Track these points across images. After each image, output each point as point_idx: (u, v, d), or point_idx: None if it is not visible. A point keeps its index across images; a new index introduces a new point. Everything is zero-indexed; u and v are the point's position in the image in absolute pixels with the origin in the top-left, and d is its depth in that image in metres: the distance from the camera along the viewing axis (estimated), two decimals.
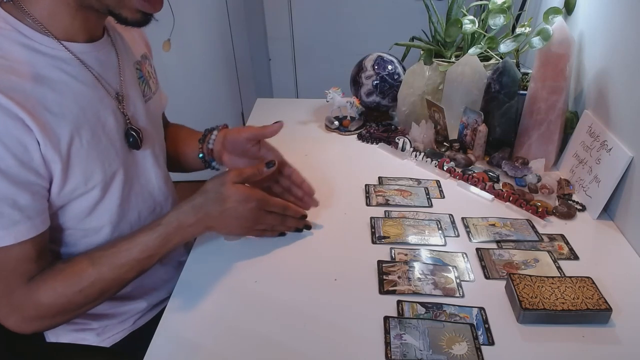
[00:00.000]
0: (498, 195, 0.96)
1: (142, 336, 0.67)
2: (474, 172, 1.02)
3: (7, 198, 0.61)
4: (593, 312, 0.66)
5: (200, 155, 0.92)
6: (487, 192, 0.97)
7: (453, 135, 1.13)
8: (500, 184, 1.00)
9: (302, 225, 0.86)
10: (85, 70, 0.70)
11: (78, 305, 0.70)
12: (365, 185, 1.00)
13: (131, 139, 0.76)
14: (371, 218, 0.89)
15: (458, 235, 0.85)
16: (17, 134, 0.60)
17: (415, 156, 1.10)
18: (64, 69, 0.67)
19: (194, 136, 0.96)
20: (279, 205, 0.80)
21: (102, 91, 0.72)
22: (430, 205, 0.94)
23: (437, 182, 1.02)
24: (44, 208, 0.67)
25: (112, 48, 0.76)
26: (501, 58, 1.10)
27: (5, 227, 0.62)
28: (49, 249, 0.73)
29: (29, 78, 0.63)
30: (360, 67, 1.24)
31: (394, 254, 0.80)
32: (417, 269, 0.76)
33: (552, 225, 0.88)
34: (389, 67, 1.22)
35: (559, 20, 0.97)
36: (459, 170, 1.03)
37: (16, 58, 0.63)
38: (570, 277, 0.72)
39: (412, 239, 0.84)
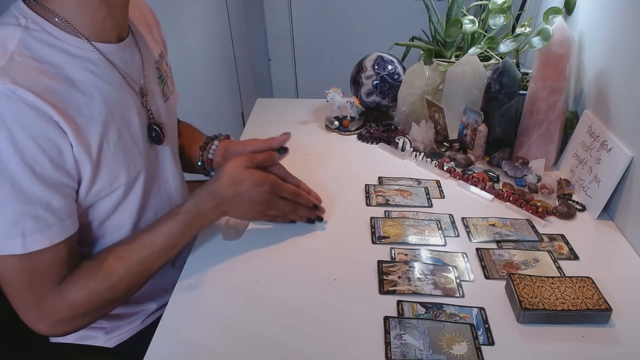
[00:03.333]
0: (498, 195, 0.96)
1: (149, 335, 0.67)
2: (474, 172, 1.02)
3: (42, 201, 0.62)
4: (593, 312, 0.66)
5: (200, 163, 0.93)
6: (487, 192, 0.97)
7: (453, 135, 1.13)
8: (500, 184, 1.00)
9: (314, 216, 0.86)
10: (113, 70, 0.70)
11: (110, 301, 0.71)
12: (365, 185, 1.00)
13: (154, 134, 0.77)
14: (371, 218, 0.89)
15: (458, 235, 0.85)
16: (53, 136, 0.61)
17: (415, 156, 1.10)
18: (92, 70, 0.67)
19: (197, 140, 0.96)
20: (290, 191, 0.81)
21: (128, 90, 0.73)
22: (430, 205, 0.94)
23: (437, 182, 1.02)
24: (73, 210, 0.67)
25: (136, 48, 0.76)
26: (501, 58, 1.10)
27: (40, 231, 0.62)
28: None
29: (59, 80, 0.63)
30: (360, 67, 1.24)
31: (394, 254, 0.80)
32: (417, 269, 0.76)
33: (552, 225, 0.88)
34: (389, 67, 1.22)
35: (559, 20, 0.97)
36: (459, 170, 1.03)
37: (46, 60, 0.63)
38: (570, 277, 0.72)
39: (412, 239, 0.84)
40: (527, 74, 1.12)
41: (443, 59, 1.15)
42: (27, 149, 0.59)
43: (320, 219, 0.87)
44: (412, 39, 1.23)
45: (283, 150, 0.81)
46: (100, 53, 0.68)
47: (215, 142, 0.93)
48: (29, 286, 0.65)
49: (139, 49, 0.77)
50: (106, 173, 0.69)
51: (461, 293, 0.72)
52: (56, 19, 0.64)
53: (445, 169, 1.04)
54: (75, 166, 0.64)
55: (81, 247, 0.75)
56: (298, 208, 0.83)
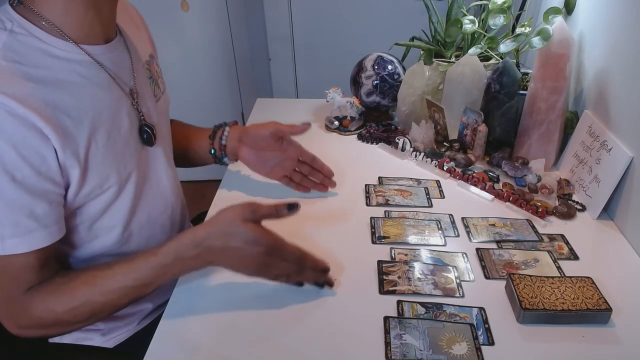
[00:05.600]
0: (498, 195, 0.95)
1: (146, 336, 0.67)
2: (474, 172, 1.02)
3: (24, 208, 0.61)
4: (593, 312, 0.66)
5: (212, 151, 0.94)
6: (487, 192, 0.97)
7: (453, 135, 1.13)
8: (500, 184, 1.00)
9: (323, 280, 0.74)
10: (101, 72, 0.70)
11: (67, 322, 0.68)
12: (365, 185, 1.00)
13: (145, 135, 0.76)
14: (371, 218, 0.89)
15: (458, 235, 0.85)
16: (35, 144, 0.60)
17: (415, 156, 1.10)
18: (80, 72, 0.67)
19: (200, 132, 0.97)
20: (294, 254, 0.69)
21: (118, 91, 0.72)
22: (430, 205, 0.94)
23: (437, 182, 1.02)
24: (60, 216, 0.66)
25: (125, 49, 0.76)
26: (501, 58, 1.10)
27: (20, 235, 0.62)
28: (60, 252, 0.73)
29: (46, 83, 0.63)
30: (360, 67, 1.24)
31: (394, 254, 0.80)
32: (417, 269, 0.76)
33: (552, 225, 0.88)
34: (389, 67, 1.22)
35: (559, 20, 0.97)
36: (459, 170, 1.03)
37: (33, 63, 0.62)
38: (570, 277, 0.72)
39: (412, 239, 0.84)
40: (527, 74, 1.12)
41: (443, 59, 1.15)
42: (6, 156, 0.58)
43: (331, 285, 0.74)
44: (412, 39, 1.23)
45: (293, 207, 0.69)
46: (88, 55, 0.68)
47: (227, 128, 0.93)
48: (0, 286, 0.65)
49: (128, 50, 0.77)
50: (96, 174, 0.68)
51: (461, 293, 0.72)
52: (43, 23, 0.64)
53: (445, 169, 1.04)
54: (60, 172, 0.64)
55: (72, 250, 0.75)
56: (304, 271, 0.71)
